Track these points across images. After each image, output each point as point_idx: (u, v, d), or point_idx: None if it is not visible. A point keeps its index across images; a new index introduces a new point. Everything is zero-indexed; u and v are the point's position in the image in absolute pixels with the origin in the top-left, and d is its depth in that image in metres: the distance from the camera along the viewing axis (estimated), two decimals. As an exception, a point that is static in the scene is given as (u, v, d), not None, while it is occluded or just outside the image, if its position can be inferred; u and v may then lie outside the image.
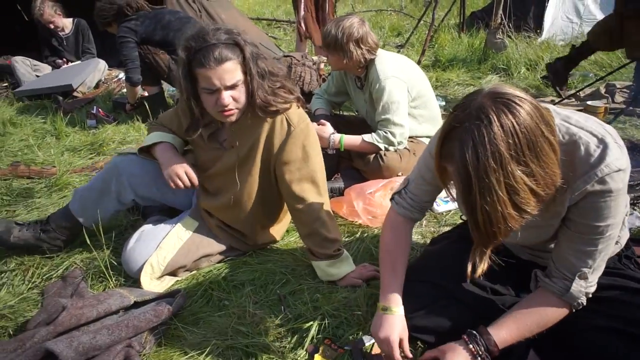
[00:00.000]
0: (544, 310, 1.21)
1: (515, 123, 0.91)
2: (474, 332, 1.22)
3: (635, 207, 2.17)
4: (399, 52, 5.78)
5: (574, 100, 3.59)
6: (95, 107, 3.63)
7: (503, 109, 0.92)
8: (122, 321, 1.41)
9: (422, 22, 6.11)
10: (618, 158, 1.06)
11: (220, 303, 1.60)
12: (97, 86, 4.51)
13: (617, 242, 1.38)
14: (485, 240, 1.00)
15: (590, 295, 1.20)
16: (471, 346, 1.20)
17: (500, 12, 5.05)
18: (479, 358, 1.19)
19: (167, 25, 3.30)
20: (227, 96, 1.50)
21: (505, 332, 1.21)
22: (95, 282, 1.73)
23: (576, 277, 1.17)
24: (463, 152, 0.92)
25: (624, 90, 3.67)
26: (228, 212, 1.81)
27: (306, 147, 1.65)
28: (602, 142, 1.08)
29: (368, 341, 1.39)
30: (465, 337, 1.23)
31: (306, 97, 3.24)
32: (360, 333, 1.44)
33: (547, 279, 1.22)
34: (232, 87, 1.51)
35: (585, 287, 1.18)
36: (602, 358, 1.20)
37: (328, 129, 2.37)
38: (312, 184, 1.68)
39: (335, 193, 2.34)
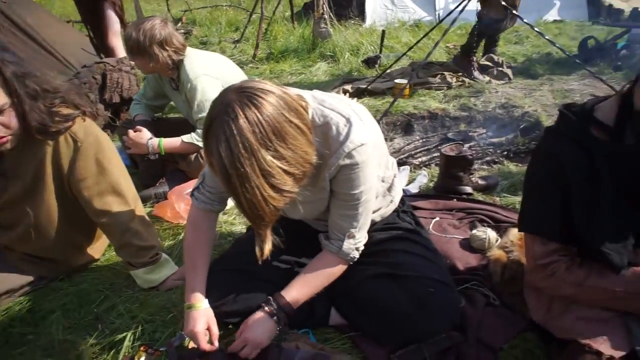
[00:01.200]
0: (326, 267, 1.38)
1: (258, 114, 1.00)
2: (269, 297, 1.35)
3: (424, 168, 2.56)
4: (235, 47, 5.82)
5: (388, 78, 4.01)
6: None
7: (247, 102, 1.01)
8: None
9: (257, 15, 6.22)
10: (360, 134, 1.23)
11: (24, 339, 1.49)
12: None
13: (391, 201, 1.62)
14: (257, 223, 1.10)
15: (362, 249, 1.40)
16: (267, 308, 1.33)
17: (324, 2, 5.39)
18: (275, 317, 1.33)
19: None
20: None
21: (295, 291, 1.35)
22: None
23: (346, 237, 1.35)
24: (217, 147, 0.99)
25: (425, 67, 4.21)
26: (31, 242, 1.66)
27: (100, 160, 1.59)
28: (348, 121, 1.23)
29: (184, 338, 1.43)
30: (262, 304, 1.35)
31: (127, 103, 3.11)
32: (179, 332, 1.47)
33: (327, 241, 1.39)
34: None
35: (354, 243, 1.36)
36: (379, 301, 1.41)
37: (145, 134, 2.32)
38: (115, 196, 1.64)
39: (160, 198, 2.31)
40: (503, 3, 3.31)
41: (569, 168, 1.17)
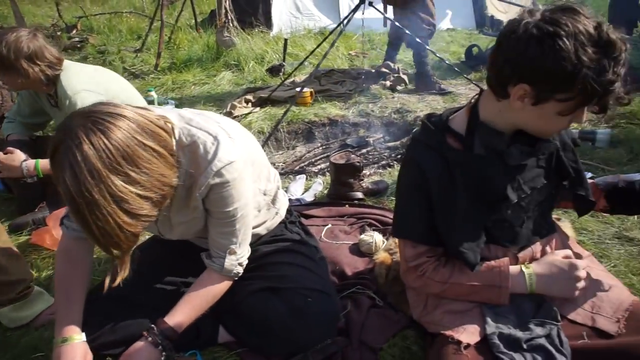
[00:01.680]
0: (210, 286, 1.36)
1: (104, 139, 0.95)
2: (152, 325, 1.30)
3: (319, 176, 2.62)
4: (136, 56, 5.56)
5: (291, 86, 4.07)
6: None
7: (92, 127, 0.96)
8: None
9: (159, 22, 5.99)
10: (229, 152, 1.22)
11: None
12: None
13: (277, 213, 1.64)
14: (113, 251, 1.05)
15: (245, 263, 1.40)
16: (150, 338, 1.26)
17: (228, 11, 5.33)
18: (160, 346, 1.27)
19: None
20: None
21: (179, 315, 1.31)
22: None
23: (227, 254, 1.34)
24: (62, 175, 0.94)
25: (328, 74, 4.33)
26: None
27: None
28: (216, 139, 1.23)
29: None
30: (144, 332, 1.29)
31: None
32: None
33: (208, 259, 1.37)
34: None
35: (236, 259, 1.36)
36: (261, 315, 1.42)
37: (18, 156, 2.12)
38: (-29, 228, 1.49)
39: (39, 224, 2.14)
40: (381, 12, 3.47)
41: (429, 175, 1.26)
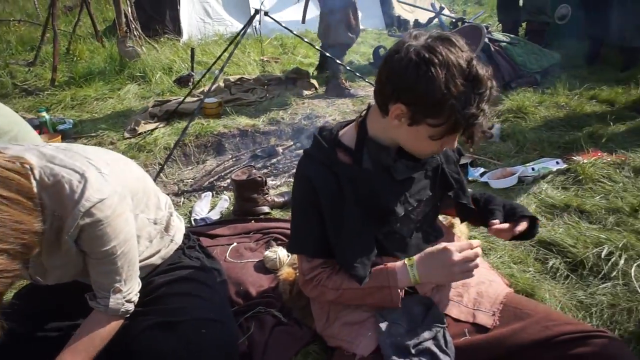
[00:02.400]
0: (98, 328, 1.28)
1: None
2: None
3: (225, 192, 2.58)
4: (29, 71, 5.11)
5: (200, 96, 3.95)
6: None
7: None
8: None
9: (57, 32, 5.55)
10: (99, 189, 1.15)
11: None
12: None
13: (172, 241, 1.58)
14: None
15: (135, 299, 1.33)
16: None
17: (130, 19, 5.06)
18: None
19: None
20: None
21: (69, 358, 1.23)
22: None
23: (111, 293, 1.26)
24: None
25: (238, 82, 4.27)
26: None
27: None
28: (83, 177, 1.14)
29: None
30: None
31: None
32: None
33: (93, 300, 1.29)
34: None
35: (122, 297, 1.28)
36: (155, 352, 1.36)
37: None
38: None
39: None
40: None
41: (320, 191, 1.28)
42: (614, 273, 1.73)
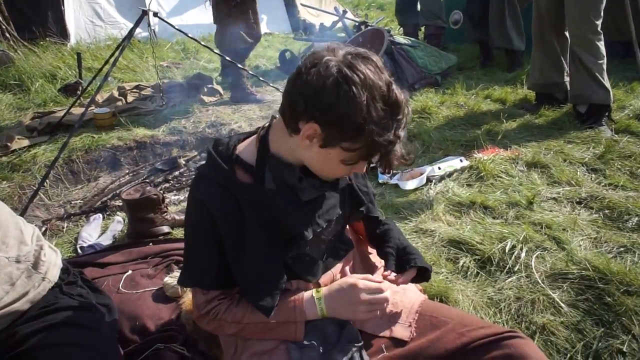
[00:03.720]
0: None
1: None
2: None
3: (118, 213, 2.30)
4: None
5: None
6: None
7: None
8: None
9: None
10: None
11: None
12: None
13: (44, 279, 1.33)
14: None
15: None
16: None
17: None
18: None
19: None
20: None
21: None
22: None
23: None
24: None
25: (135, 90, 3.93)
26: None
27: None
28: None
29: None
30: None
31: None
32: None
33: None
34: None
35: None
36: None
37: None
38: None
39: None
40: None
41: (217, 217, 1.12)
42: (517, 266, 1.79)
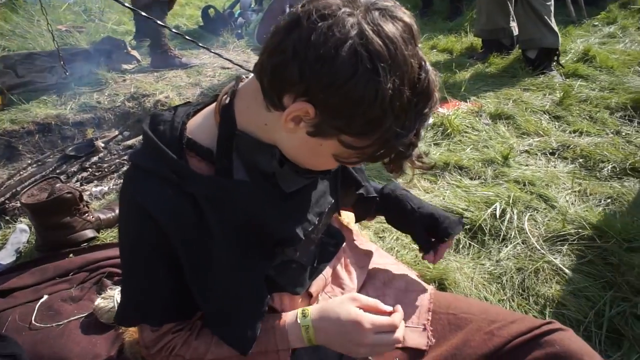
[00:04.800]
0: None
1: None
2: None
3: (21, 218, 1.80)
4: None
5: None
6: None
7: None
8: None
9: None
10: None
11: None
12: None
13: None
14: None
15: None
16: None
17: None
18: None
19: None
20: None
21: None
22: None
23: None
24: None
25: (26, 61, 3.24)
26: None
27: None
28: None
29: None
30: None
31: None
32: None
33: None
34: None
35: None
36: None
37: None
38: None
39: None
40: None
41: (167, 227, 0.76)
42: (512, 233, 1.60)
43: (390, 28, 0.60)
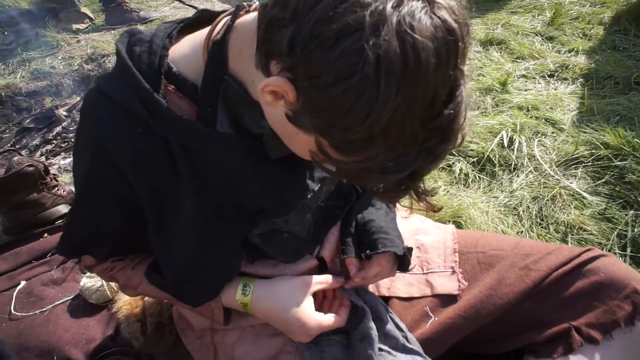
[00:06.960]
0: None
1: None
2: None
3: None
4: None
5: None
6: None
7: None
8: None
9: None
10: None
11: None
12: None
13: None
14: None
15: None
16: None
17: None
18: None
19: None
20: None
21: None
22: None
23: None
24: None
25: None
26: None
27: None
28: None
29: None
30: None
31: None
32: None
33: None
34: None
35: None
36: None
37: None
38: None
39: None
40: None
41: (125, 167, 0.62)
42: (522, 161, 1.50)
43: (424, 32, 0.41)
